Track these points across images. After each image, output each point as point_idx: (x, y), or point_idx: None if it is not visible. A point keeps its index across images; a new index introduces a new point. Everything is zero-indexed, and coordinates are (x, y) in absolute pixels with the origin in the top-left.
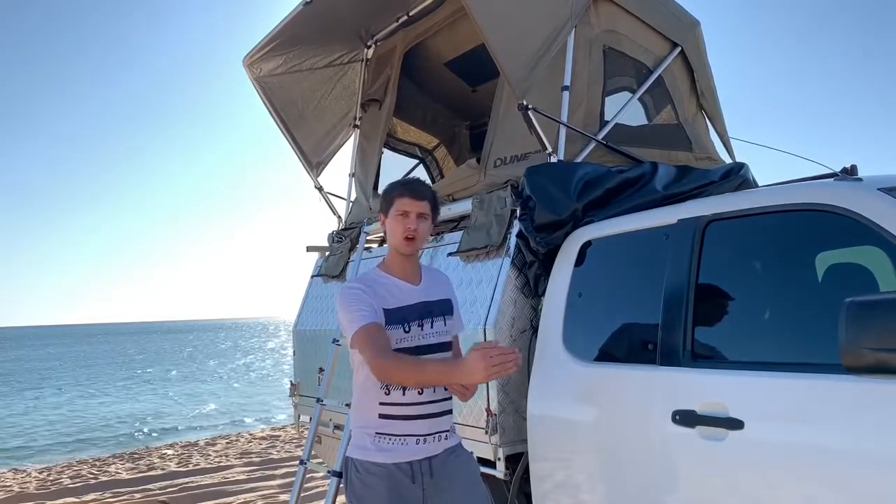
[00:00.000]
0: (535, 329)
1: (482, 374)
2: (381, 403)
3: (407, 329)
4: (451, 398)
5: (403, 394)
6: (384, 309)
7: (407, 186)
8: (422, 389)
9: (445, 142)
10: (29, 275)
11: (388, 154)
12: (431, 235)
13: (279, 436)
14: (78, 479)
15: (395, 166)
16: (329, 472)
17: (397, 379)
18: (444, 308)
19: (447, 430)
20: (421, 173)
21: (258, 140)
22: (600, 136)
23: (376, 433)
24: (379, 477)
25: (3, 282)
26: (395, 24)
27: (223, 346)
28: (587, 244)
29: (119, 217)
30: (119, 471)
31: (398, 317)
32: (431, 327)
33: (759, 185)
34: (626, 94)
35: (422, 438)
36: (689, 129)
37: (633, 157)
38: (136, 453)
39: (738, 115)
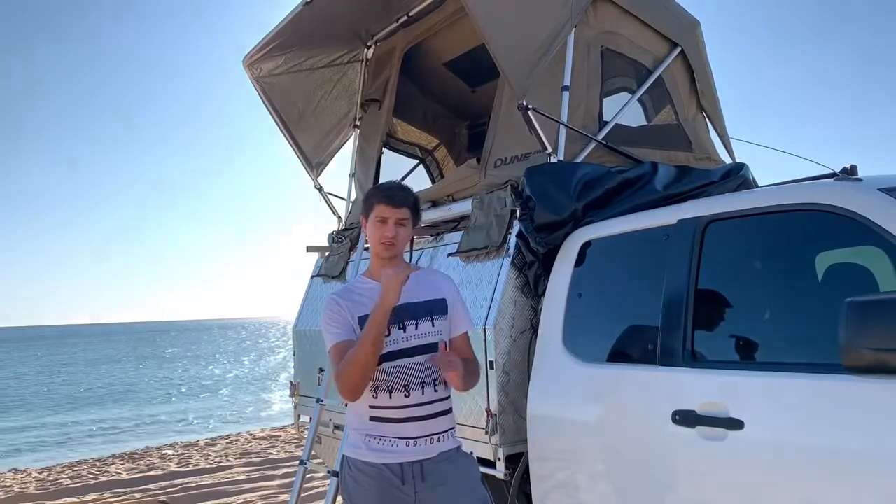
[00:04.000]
0: (535, 329)
1: (394, 278)
2: (371, 407)
3: (386, 333)
4: (446, 399)
5: (390, 397)
6: (360, 317)
7: (386, 193)
8: (409, 392)
9: (445, 142)
10: (30, 274)
11: (388, 154)
12: (431, 235)
13: (279, 436)
14: (78, 479)
15: (395, 166)
16: (329, 472)
17: (353, 372)
18: (432, 308)
19: (441, 433)
20: (421, 173)
21: (259, 140)
22: (600, 137)
23: (367, 434)
24: (369, 476)
25: (4, 282)
26: (395, 25)
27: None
28: (587, 244)
29: (119, 217)
30: (119, 471)
31: None
32: (416, 329)
33: (759, 185)
34: (625, 95)
35: (412, 441)
36: (689, 129)
37: (633, 157)
38: (136, 453)
39: (738, 115)
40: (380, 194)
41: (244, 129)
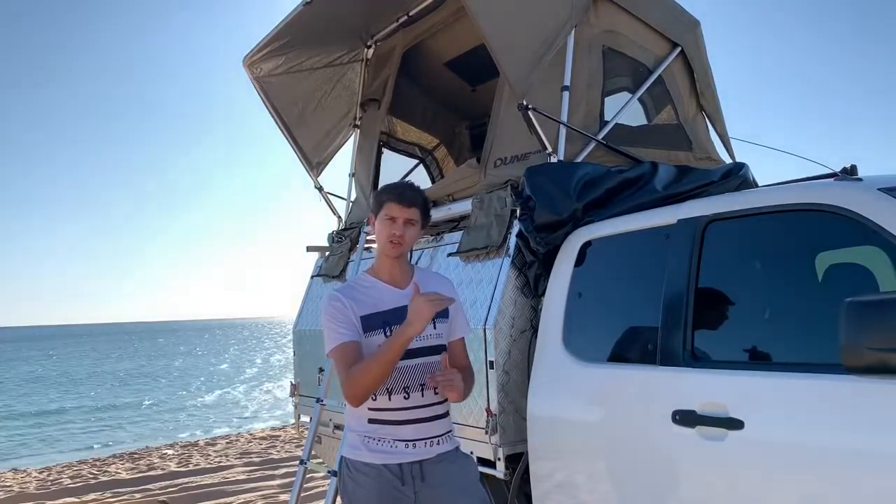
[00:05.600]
0: (535, 329)
1: (426, 309)
2: (370, 409)
3: (388, 333)
4: (444, 402)
5: (389, 399)
6: (362, 316)
7: (396, 192)
8: (408, 395)
9: (445, 142)
10: (29, 274)
11: (388, 154)
12: (431, 235)
13: (279, 436)
14: (78, 479)
15: (395, 166)
16: (329, 472)
17: (365, 382)
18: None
19: (440, 435)
20: (421, 173)
21: (260, 139)
22: (600, 136)
23: (366, 436)
24: (369, 476)
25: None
26: (395, 25)
27: None
28: (587, 244)
29: (118, 217)
30: (119, 471)
31: (379, 321)
32: None
33: (759, 185)
34: (626, 95)
35: (411, 443)
36: (689, 129)
37: (633, 157)
38: (136, 453)
39: (739, 115)
40: (390, 193)
41: (246, 128)
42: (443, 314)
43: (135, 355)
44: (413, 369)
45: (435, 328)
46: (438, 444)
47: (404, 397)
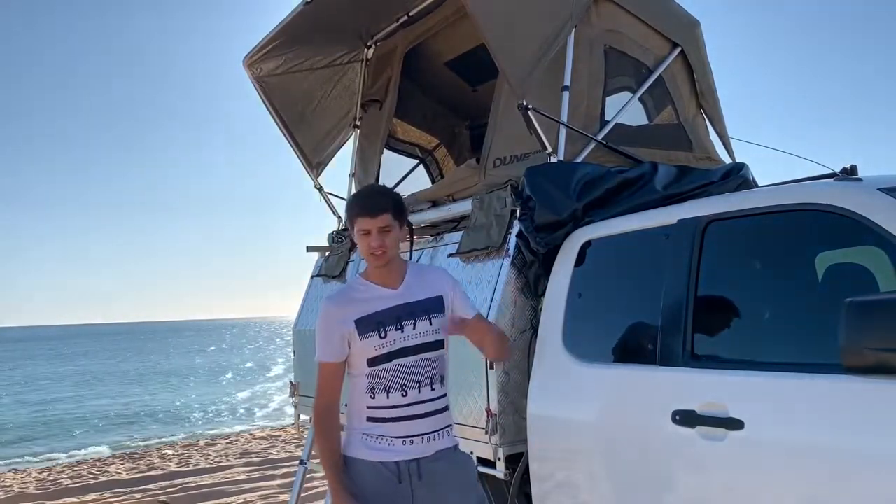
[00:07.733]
0: (535, 329)
1: None
2: (369, 407)
3: (383, 335)
4: (443, 397)
5: (387, 397)
6: (356, 320)
7: (361, 204)
8: (406, 392)
9: (445, 142)
10: (29, 274)
11: (388, 154)
12: (431, 235)
13: (279, 436)
14: (78, 479)
15: (395, 166)
16: None
17: (315, 429)
18: (429, 307)
19: (437, 432)
20: (421, 173)
21: (260, 139)
22: (600, 136)
23: (364, 434)
24: (367, 475)
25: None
26: (395, 25)
27: None
28: (587, 244)
29: (118, 217)
30: (119, 471)
31: (373, 323)
32: (414, 328)
33: (759, 185)
34: (626, 94)
35: (408, 440)
36: (689, 129)
37: (633, 157)
38: (136, 453)
39: (738, 115)
40: (356, 207)
41: (249, 129)
42: (438, 310)
43: (178, 354)
44: (410, 367)
45: (431, 325)
46: (436, 439)
47: (402, 395)
